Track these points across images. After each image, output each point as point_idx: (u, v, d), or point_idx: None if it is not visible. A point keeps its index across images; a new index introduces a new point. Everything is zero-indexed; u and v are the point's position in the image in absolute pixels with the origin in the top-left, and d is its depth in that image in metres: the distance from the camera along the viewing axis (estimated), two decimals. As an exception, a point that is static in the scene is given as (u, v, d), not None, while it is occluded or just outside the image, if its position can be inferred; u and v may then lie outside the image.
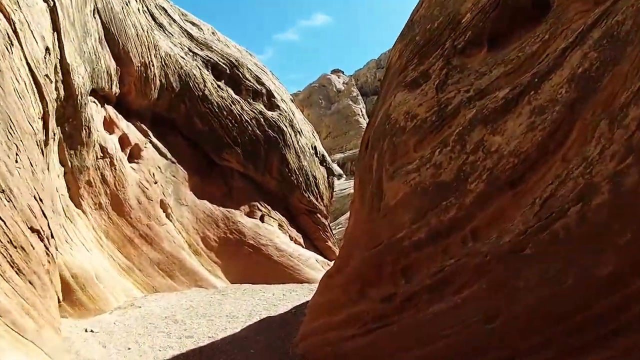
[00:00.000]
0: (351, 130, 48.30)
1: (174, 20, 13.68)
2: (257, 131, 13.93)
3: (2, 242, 3.70)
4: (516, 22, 4.16)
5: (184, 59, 12.54)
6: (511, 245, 3.16)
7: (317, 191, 15.90)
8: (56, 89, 6.72)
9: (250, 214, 13.10)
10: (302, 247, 14.17)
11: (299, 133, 16.00)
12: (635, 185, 2.55)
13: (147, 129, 11.37)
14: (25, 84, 4.63)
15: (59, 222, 6.92)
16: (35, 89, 4.92)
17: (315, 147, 17.14)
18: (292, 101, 17.86)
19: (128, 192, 9.81)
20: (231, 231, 12.30)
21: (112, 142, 9.52)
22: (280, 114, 15.06)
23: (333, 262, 14.37)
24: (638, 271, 2.52)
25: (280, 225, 13.76)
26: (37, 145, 4.77)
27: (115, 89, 9.73)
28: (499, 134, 3.95)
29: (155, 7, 12.49)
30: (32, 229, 4.24)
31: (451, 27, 4.92)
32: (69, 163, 7.94)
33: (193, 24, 14.99)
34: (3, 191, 3.75)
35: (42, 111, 4.90)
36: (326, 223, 16.21)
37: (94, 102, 8.79)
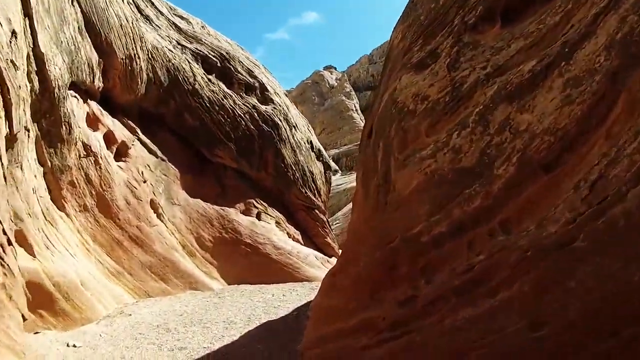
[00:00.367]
0: (345, 125, 47.91)
1: (161, 13, 13.07)
2: (251, 126, 13.38)
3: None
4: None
5: (172, 52, 11.94)
6: (557, 237, 2.66)
7: (314, 186, 15.41)
8: (30, 80, 6.15)
9: (246, 212, 12.58)
10: (301, 244, 13.70)
11: (294, 127, 15.47)
12: None
13: (134, 125, 10.78)
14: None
15: (37, 226, 6.35)
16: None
17: (311, 141, 16.63)
18: (285, 95, 17.32)
19: (115, 192, 9.24)
20: (227, 230, 11.79)
21: (96, 140, 8.92)
22: (274, 107, 14.52)
23: (333, 258, 14.00)
24: None
25: (277, 223, 13.25)
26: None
27: (99, 83, 9.12)
28: (527, 111, 3.48)
29: (141, -1, 11.88)
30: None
31: (458, 5, 4.54)
32: (49, 162, 7.35)
33: (182, 17, 14.39)
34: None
35: (1, 99, 4.31)
36: (324, 219, 15.72)
37: (75, 96, 8.18)
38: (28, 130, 5.89)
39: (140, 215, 9.82)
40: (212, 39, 14.12)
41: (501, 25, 4.23)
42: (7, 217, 4.37)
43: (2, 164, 4.27)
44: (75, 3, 8.06)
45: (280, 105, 14.91)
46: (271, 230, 12.65)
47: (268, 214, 13.23)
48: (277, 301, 8.39)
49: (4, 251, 3.95)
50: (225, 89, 13.12)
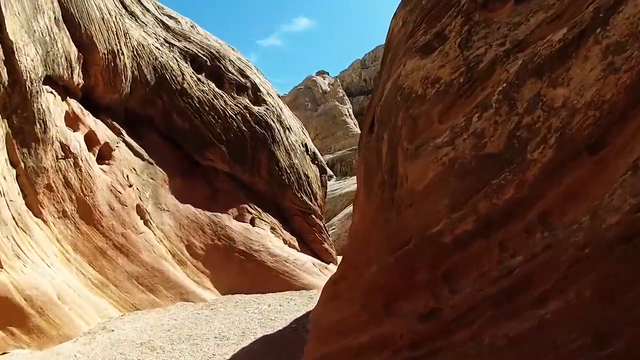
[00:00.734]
0: (339, 131, 47.59)
1: (148, 10, 12.51)
2: (243, 127, 12.81)
3: None
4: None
5: (159, 49, 11.38)
6: (622, 228, 2.14)
7: (310, 190, 14.83)
8: (-4, 72, 5.56)
9: (239, 218, 11.97)
10: (297, 250, 13.08)
11: (288, 129, 14.92)
12: None
13: (119, 126, 10.16)
14: None
15: (5, 233, 5.73)
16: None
17: (305, 144, 16.08)
18: (279, 97, 16.80)
19: (97, 197, 8.60)
20: (219, 237, 11.16)
21: (76, 140, 8.29)
22: (267, 108, 13.97)
23: (332, 265, 13.41)
24: None
25: (272, 229, 12.64)
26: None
27: (78, 79, 8.52)
28: (561, 85, 2.97)
29: (126, -7, 11.32)
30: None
31: (465, -16, 4.04)
32: (22, 163, 6.73)
33: (170, 16, 13.83)
34: None
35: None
36: (321, 224, 15.13)
37: (52, 92, 7.58)
38: (-6, 127, 5.32)
39: (126, 221, 9.19)
40: (201, 38, 13.58)
41: (515, 2, 3.81)
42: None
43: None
44: (51, -7, 7.49)
45: (273, 106, 14.37)
46: (266, 237, 12.04)
47: (262, 220, 12.62)
48: (273, 312, 7.79)
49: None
50: (216, 89, 12.56)
